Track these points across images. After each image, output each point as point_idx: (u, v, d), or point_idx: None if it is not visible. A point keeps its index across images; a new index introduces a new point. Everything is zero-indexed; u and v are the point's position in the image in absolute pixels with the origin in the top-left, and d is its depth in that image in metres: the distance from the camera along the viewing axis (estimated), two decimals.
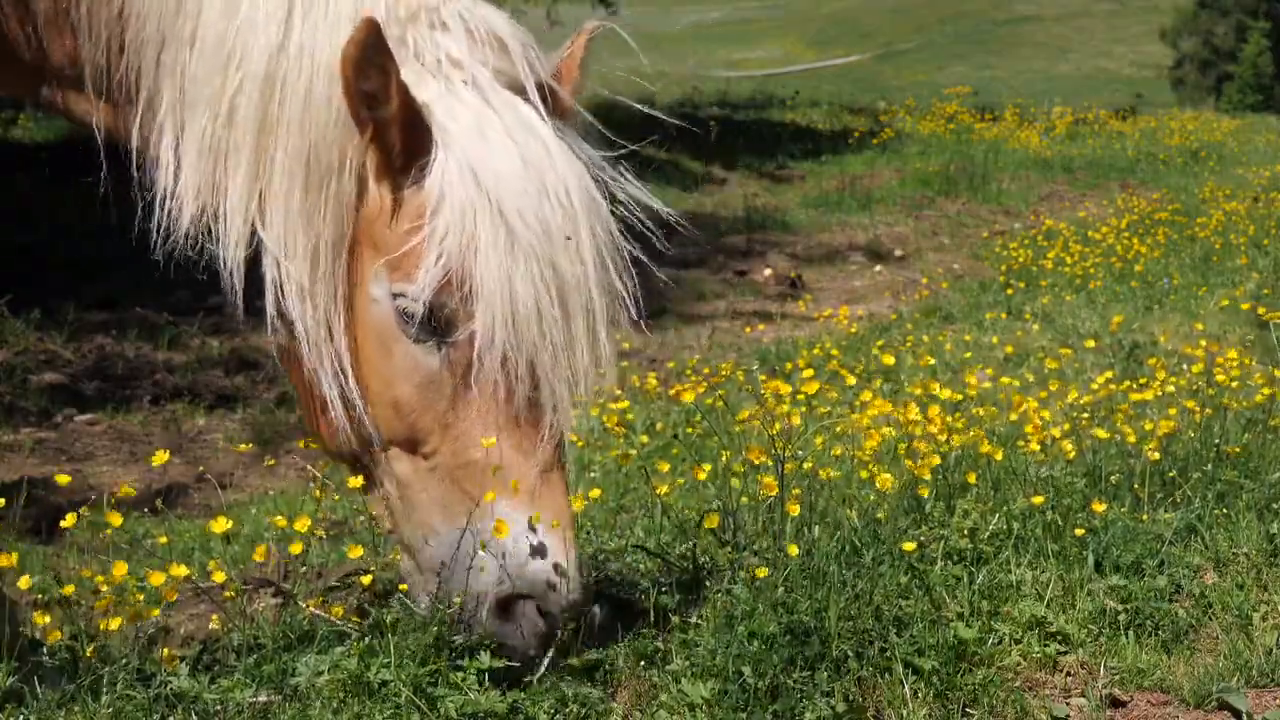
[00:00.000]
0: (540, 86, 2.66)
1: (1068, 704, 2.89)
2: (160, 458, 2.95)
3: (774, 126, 22.66)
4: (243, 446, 3.43)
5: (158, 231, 2.59)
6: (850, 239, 14.63)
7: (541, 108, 2.64)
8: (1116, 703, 2.92)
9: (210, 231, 2.59)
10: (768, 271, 12.58)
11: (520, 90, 2.64)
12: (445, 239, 2.52)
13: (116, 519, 2.72)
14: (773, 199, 16.73)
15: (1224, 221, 13.41)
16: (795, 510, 3.30)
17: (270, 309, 2.59)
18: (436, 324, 2.55)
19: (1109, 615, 3.17)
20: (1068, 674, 3.00)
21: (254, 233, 2.57)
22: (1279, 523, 3.72)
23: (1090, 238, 12.97)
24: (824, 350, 7.85)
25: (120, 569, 2.68)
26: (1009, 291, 10.77)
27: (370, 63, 2.43)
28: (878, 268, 13.06)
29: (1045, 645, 3.03)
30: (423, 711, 2.51)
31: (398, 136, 2.51)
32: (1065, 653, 3.06)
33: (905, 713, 2.73)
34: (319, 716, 2.51)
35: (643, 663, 2.75)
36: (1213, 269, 11.42)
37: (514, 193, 2.53)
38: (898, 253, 13.83)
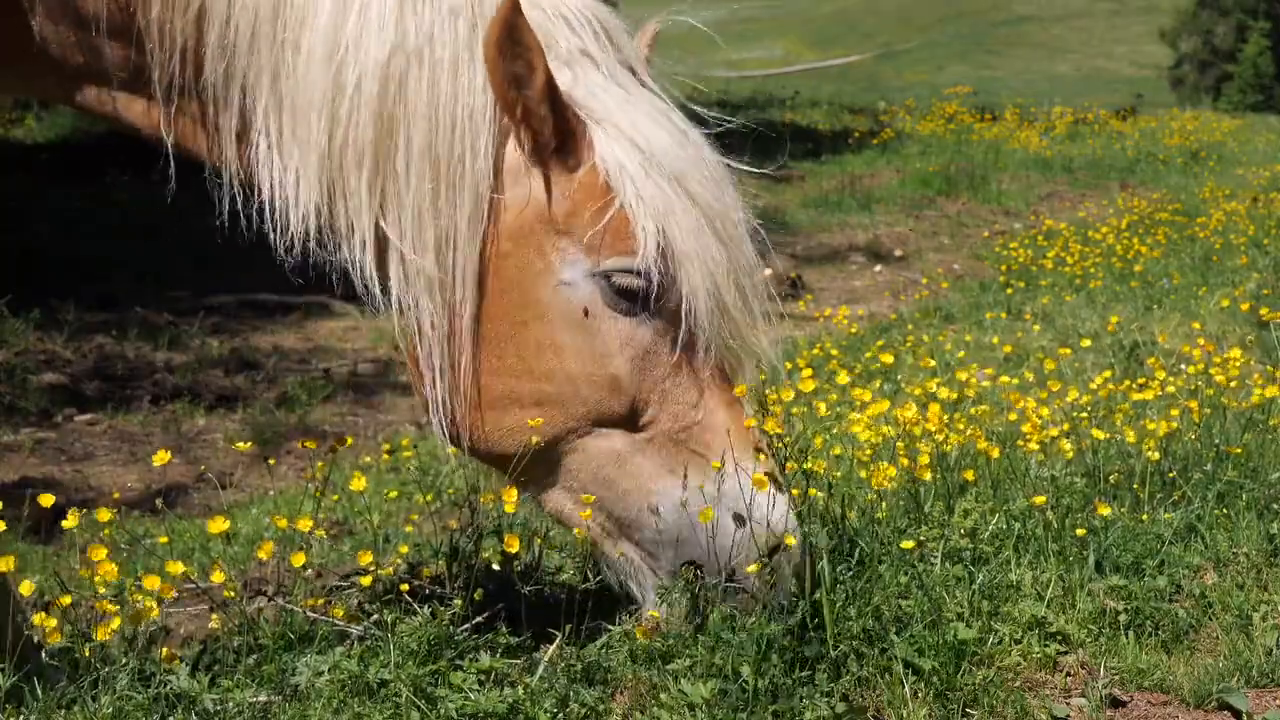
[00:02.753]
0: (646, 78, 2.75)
1: (1068, 704, 2.88)
2: (161, 457, 2.95)
3: (774, 126, 22.67)
4: (243, 446, 3.42)
5: (275, 234, 2.57)
6: (850, 239, 14.63)
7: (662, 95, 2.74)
8: (1116, 703, 2.92)
9: (326, 232, 2.57)
10: (768, 271, 12.55)
11: (637, 79, 2.72)
12: (647, 207, 2.56)
13: (105, 514, 2.72)
14: (773, 199, 16.73)
15: (1224, 221, 13.41)
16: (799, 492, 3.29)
17: (395, 303, 2.59)
18: (654, 293, 2.59)
19: (1109, 615, 3.17)
20: (1068, 674, 3.00)
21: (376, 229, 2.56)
22: (1279, 523, 3.72)
23: (1090, 238, 12.97)
24: (824, 350, 7.85)
25: (112, 571, 2.67)
26: (1009, 291, 10.77)
27: (516, 42, 2.44)
28: (878, 268, 13.06)
29: (1045, 645, 3.03)
30: (423, 711, 2.51)
31: (548, 114, 2.52)
32: (1065, 653, 3.05)
33: (905, 713, 2.73)
34: (319, 716, 2.51)
35: (643, 663, 2.75)
36: (1213, 269, 11.42)
37: (680, 160, 2.62)
38: (898, 253, 13.83)
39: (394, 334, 2.69)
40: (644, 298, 2.60)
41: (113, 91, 2.67)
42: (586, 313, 2.60)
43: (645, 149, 2.59)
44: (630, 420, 2.65)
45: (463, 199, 2.53)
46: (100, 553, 2.61)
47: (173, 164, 2.64)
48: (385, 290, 2.61)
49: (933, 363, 5.86)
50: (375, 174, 2.53)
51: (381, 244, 2.58)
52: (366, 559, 2.98)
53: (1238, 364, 4.77)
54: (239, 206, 2.61)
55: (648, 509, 2.66)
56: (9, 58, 2.66)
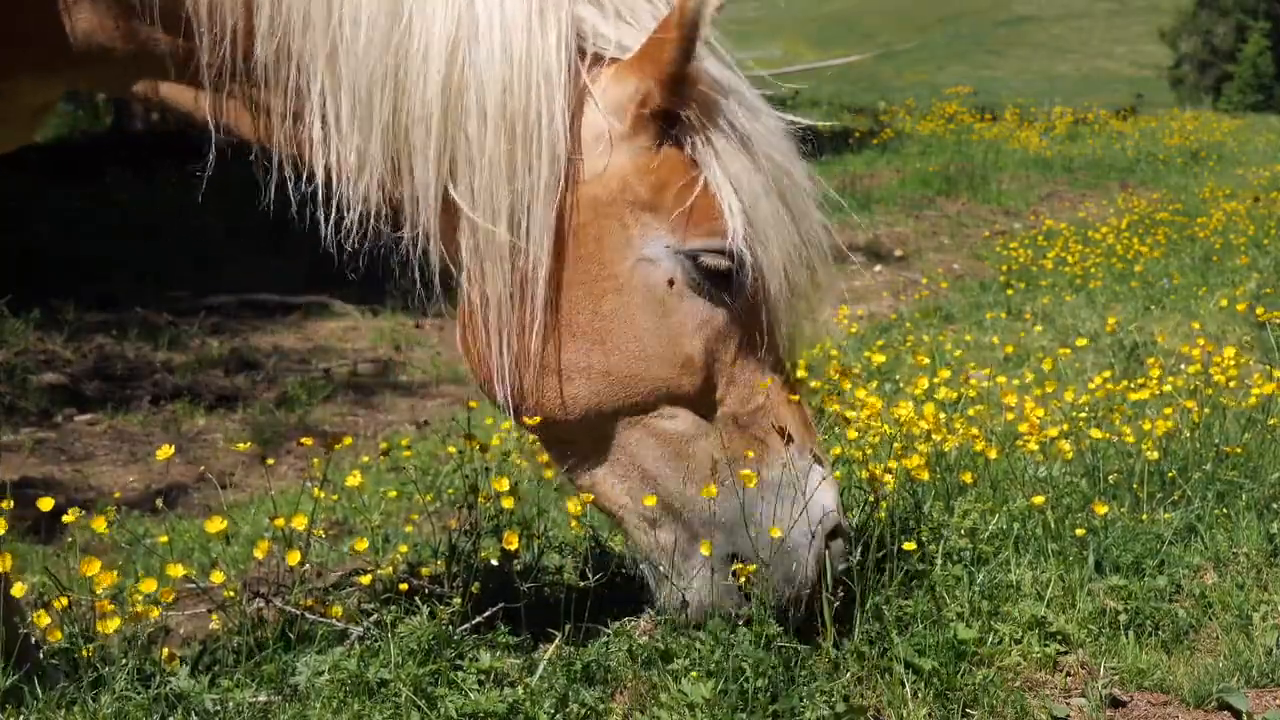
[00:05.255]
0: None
1: (1068, 704, 2.89)
2: (164, 452, 2.94)
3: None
4: (243, 446, 3.42)
5: (332, 217, 2.52)
6: (850, 239, 14.62)
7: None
8: (1116, 703, 2.92)
9: (386, 211, 2.53)
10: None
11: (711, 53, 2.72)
12: (733, 186, 2.54)
13: (101, 524, 2.72)
14: None
15: (1224, 221, 13.41)
16: None
17: (463, 274, 2.55)
18: (736, 274, 2.57)
19: (1109, 615, 3.17)
20: (1068, 674, 3.00)
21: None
22: (1279, 522, 3.72)
23: (1090, 238, 12.97)
24: (824, 350, 7.84)
25: (110, 578, 2.65)
26: (1009, 291, 10.78)
27: (705, 19, 2.44)
28: (878, 268, 13.06)
29: (1045, 645, 3.03)
30: (423, 711, 2.51)
31: (686, 92, 2.51)
32: (1065, 653, 3.06)
33: (905, 713, 2.73)
34: (319, 716, 2.51)
35: (643, 663, 2.75)
36: (1213, 269, 11.42)
37: (758, 136, 2.61)
38: (898, 253, 13.83)
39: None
40: (726, 279, 2.58)
41: (164, 79, 2.64)
42: (667, 290, 2.57)
43: (728, 124, 2.58)
44: (697, 401, 2.62)
45: (540, 161, 2.48)
46: (94, 566, 2.59)
47: (213, 153, 2.58)
48: (454, 263, 2.57)
49: (925, 360, 5.86)
50: (444, 140, 2.47)
51: (449, 214, 2.53)
52: (362, 546, 2.97)
53: (1234, 364, 4.76)
54: (289, 191, 2.56)
55: (703, 494, 2.63)
56: (56, 61, 2.65)
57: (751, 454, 2.63)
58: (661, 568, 2.71)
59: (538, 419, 2.62)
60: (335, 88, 2.48)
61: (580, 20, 2.52)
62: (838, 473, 3.77)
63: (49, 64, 2.68)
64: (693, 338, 2.59)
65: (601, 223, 2.55)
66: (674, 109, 2.53)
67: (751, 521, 2.63)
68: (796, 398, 2.73)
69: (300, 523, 2.88)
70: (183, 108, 2.67)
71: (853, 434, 3.91)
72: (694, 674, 2.65)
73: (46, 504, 2.69)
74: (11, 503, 2.67)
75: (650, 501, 2.64)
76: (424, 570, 3.14)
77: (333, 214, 2.52)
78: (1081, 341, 7.17)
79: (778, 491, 2.64)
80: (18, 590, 2.63)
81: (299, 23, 2.47)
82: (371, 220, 2.53)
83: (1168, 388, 4.97)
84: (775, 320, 2.65)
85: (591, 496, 2.73)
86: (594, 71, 2.54)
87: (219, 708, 2.52)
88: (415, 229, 2.52)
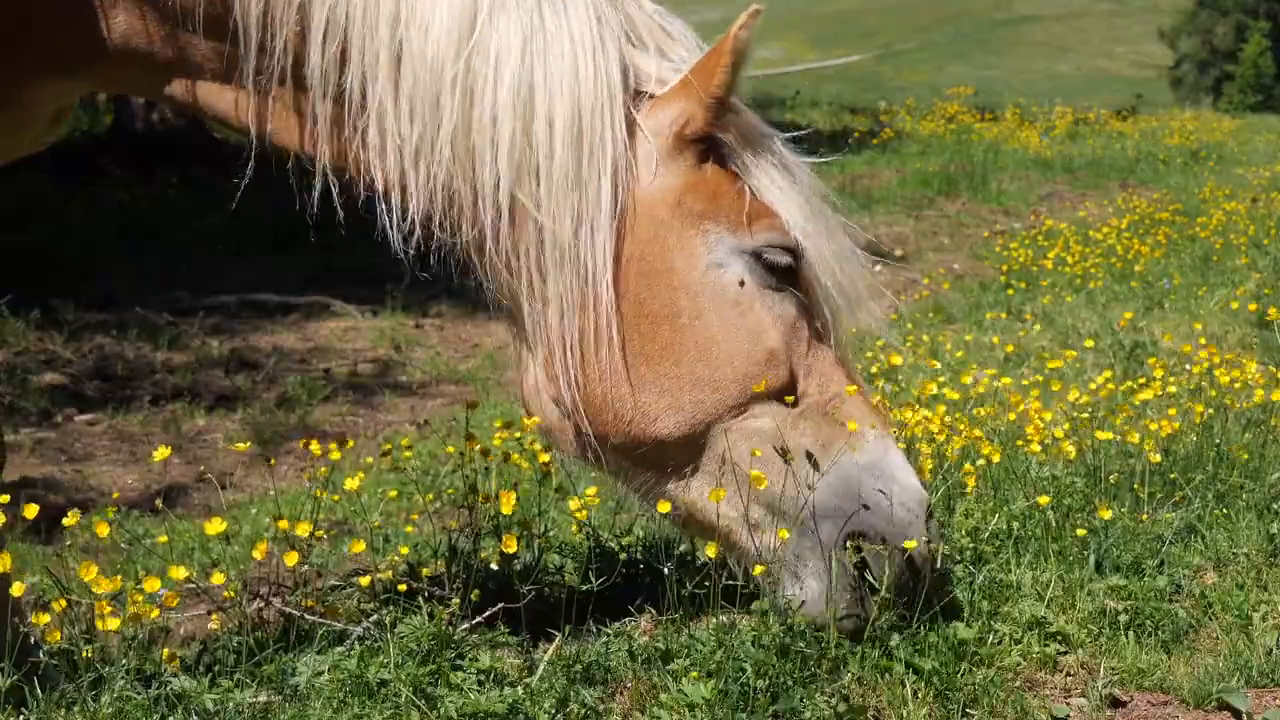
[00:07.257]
0: None
1: (1068, 704, 2.88)
2: (162, 453, 2.94)
3: (774, 126, 22.64)
4: (242, 446, 3.42)
5: (392, 228, 2.58)
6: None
7: None
8: (1116, 703, 2.92)
9: (447, 213, 2.58)
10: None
11: None
12: (776, 190, 2.70)
13: (104, 529, 2.70)
14: None
15: (1224, 221, 13.39)
16: None
17: (523, 275, 2.61)
18: (796, 266, 2.70)
19: (1109, 615, 3.17)
20: (1068, 674, 3.00)
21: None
22: (1279, 523, 3.72)
23: (1091, 238, 12.96)
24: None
25: (115, 583, 2.64)
26: (1009, 291, 10.77)
27: (749, 46, 2.61)
28: (878, 268, 13.05)
29: (1045, 645, 3.03)
30: (422, 711, 2.51)
31: (726, 116, 2.67)
32: (1065, 653, 3.05)
33: (905, 713, 2.72)
34: (319, 716, 2.51)
35: (643, 663, 2.74)
36: (1213, 269, 11.41)
37: (779, 146, 2.80)
38: (898, 253, 13.82)
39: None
40: (788, 273, 2.70)
41: (202, 84, 2.66)
42: (739, 290, 2.67)
43: (765, 147, 2.76)
44: (782, 395, 2.70)
45: (605, 174, 2.58)
46: (92, 571, 2.58)
47: (253, 158, 2.60)
48: (511, 270, 2.62)
49: (937, 363, 5.86)
50: (512, 147, 2.55)
51: (511, 221, 2.59)
52: (359, 548, 2.98)
53: (1249, 370, 4.76)
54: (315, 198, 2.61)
55: (805, 484, 2.68)
56: (89, 58, 2.64)
57: (841, 440, 2.71)
58: (774, 569, 2.72)
59: (632, 440, 2.66)
60: (395, 94, 2.53)
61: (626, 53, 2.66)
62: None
63: (83, 66, 2.67)
64: (771, 332, 2.69)
65: (666, 237, 2.64)
66: (715, 131, 2.67)
67: (854, 507, 2.68)
68: (862, 385, 2.85)
69: (302, 530, 2.88)
70: (220, 111, 2.69)
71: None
72: (694, 674, 2.65)
73: (31, 511, 2.64)
74: (8, 498, 2.67)
75: (758, 484, 2.66)
76: (424, 571, 3.14)
77: (394, 218, 2.57)
78: (1088, 343, 7.17)
79: (873, 474, 2.71)
80: (17, 589, 2.62)
81: (359, 31, 2.51)
82: (435, 225, 2.59)
83: (1172, 389, 4.96)
84: (834, 311, 2.78)
85: (677, 512, 2.74)
86: (636, 101, 2.67)
87: (219, 708, 2.52)
88: (478, 229, 2.58)
